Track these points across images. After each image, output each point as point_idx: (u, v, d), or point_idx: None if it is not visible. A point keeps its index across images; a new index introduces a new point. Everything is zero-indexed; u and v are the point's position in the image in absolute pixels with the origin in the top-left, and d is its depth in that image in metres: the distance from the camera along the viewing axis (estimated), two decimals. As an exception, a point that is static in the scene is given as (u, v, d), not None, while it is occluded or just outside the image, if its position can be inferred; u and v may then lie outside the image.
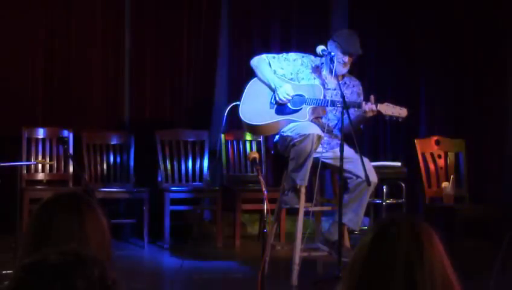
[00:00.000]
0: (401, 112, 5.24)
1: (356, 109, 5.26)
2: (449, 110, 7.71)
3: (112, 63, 7.36)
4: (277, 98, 5.39)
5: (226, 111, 5.71)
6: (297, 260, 5.29)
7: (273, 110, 5.46)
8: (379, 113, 5.23)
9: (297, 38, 7.59)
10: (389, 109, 5.22)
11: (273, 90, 5.43)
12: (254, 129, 5.64)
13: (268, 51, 5.94)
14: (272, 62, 5.52)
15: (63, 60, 7.21)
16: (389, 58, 7.81)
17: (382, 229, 1.70)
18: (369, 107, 5.17)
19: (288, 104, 5.41)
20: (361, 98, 5.46)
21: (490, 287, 4.63)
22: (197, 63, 7.50)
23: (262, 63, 5.52)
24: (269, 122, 5.44)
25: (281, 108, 5.44)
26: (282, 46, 7.14)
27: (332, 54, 5.28)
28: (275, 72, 5.50)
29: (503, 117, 7.53)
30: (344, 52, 5.35)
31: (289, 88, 5.38)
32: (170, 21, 7.44)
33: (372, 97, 5.21)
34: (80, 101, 7.22)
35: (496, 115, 7.56)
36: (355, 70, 7.60)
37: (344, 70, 5.43)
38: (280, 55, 5.58)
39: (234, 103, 5.61)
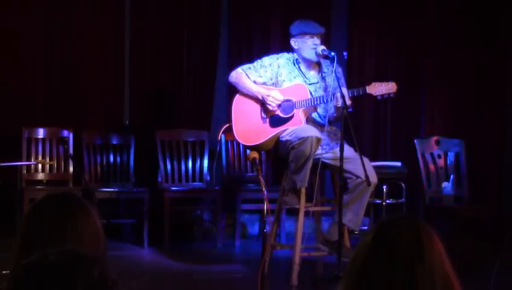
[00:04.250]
0: (390, 87, 5.24)
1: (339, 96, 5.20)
2: (449, 110, 7.71)
3: (111, 63, 7.35)
4: (269, 108, 5.39)
5: (221, 133, 5.71)
6: (297, 260, 5.29)
7: (267, 124, 5.44)
8: (370, 96, 5.23)
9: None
10: (377, 88, 5.22)
11: (261, 102, 5.42)
12: (254, 148, 5.62)
13: (268, 51, 5.93)
14: (249, 74, 5.47)
15: (63, 60, 7.21)
16: (388, 58, 7.80)
17: (382, 229, 1.70)
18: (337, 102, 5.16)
19: (280, 113, 5.40)
20: (343, 80, 5.45)
21: (490, 287, 4.62)
22: (197, 63, 7.50)
23: (240, 77, 5.48)
24: (267, 138, 5.43)
25: (274, 120, 5.42)
26: (282, 46, 7.13)
27: (333, 54, 5.26)
28: (254, 82, 5.48)
29: (503, 117, 7.54)
30: (308, 37, 5.35)
31: (277, 93, 5.38)
32: (170, 21, 7.43)
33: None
34: (80, 101, 7.22)
35: (496, 115, 7.56)
36: (355, 70, 7.64)
37: (314, 55, 5.40)
38: (255, 63, 5.54)
39: (227, 125, 5.59)
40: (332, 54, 5.26)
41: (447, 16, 7.69)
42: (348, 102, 5.14)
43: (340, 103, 5.09)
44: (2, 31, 7.04)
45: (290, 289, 5.28)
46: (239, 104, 5.51)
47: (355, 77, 7.43)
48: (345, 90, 5.20)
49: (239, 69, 5.53)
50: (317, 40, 5.37)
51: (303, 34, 5.40)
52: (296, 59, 5.48)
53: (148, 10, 7.41)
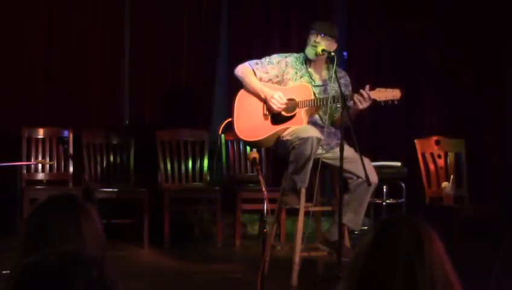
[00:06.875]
0: (394, 93, 5.23)
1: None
2: (449, 110, 7.71)
3: (111, 63, 7.36)
4: (271, 109, 5.38)
5: (222, 127, 5.71)
6: (297, 260, 5.29)
7: (269, 121, 5.43)
8: (374, 101, 5.22)
9: (297, 39, 7.58)
10: (382, 94, 5.22)
11: (264, 101, 5.42)
12: (254, 144, 5.62)
13: (268, 51, 5.92)
14: (256, 69, 5.46)
15: (63, 60, 7.21)
16: (388, 58, 7.80)
17: (382, 229, 1.70)
18: (359, 97, 5.16)
19: (282, 111, 5.40)
20: (350, 88, 5.46)
21: (490, 287, 4.62)
22: (197, 63, 7.50)
23: (246, 72, 5.46)
24: (268, 135, 5.43)
25: (276, 117, 5.41)
26: (282, 46, 7.14)
27: (333, 54, 5.27)
28: (260, 79, 5.47)
29: (503, 117, 7.54)
30: (313, 32, 5.37)
31: (280, 95, 5.37)
32: (170, 21, 7.43)
33: (367, 86, 5.20)
34: (80, 101, 7.22)
35: (495, 115, 7.56)
36: (355, 70, 7.63)
37: (313, 54, 5.40)
38: (263, 59, 5.53)
39: (228, 120, 5.59)
40: (332, 54, 5.27)
41: (446, 16, 7.69)
42: (350, 103, 5.17)
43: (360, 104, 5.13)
44: (2, 31, 7.04)
45: (290, 289, 5.28)
46: (242, 100, 5.50)
47: (355, 77, 7.42)
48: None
49: (246, 64, 5.52)
50: (320, 40, 5.35)
51: (312, 29, 5.42)
52: (305, 59, 5.49)
53: (148, 10, 7.41)
